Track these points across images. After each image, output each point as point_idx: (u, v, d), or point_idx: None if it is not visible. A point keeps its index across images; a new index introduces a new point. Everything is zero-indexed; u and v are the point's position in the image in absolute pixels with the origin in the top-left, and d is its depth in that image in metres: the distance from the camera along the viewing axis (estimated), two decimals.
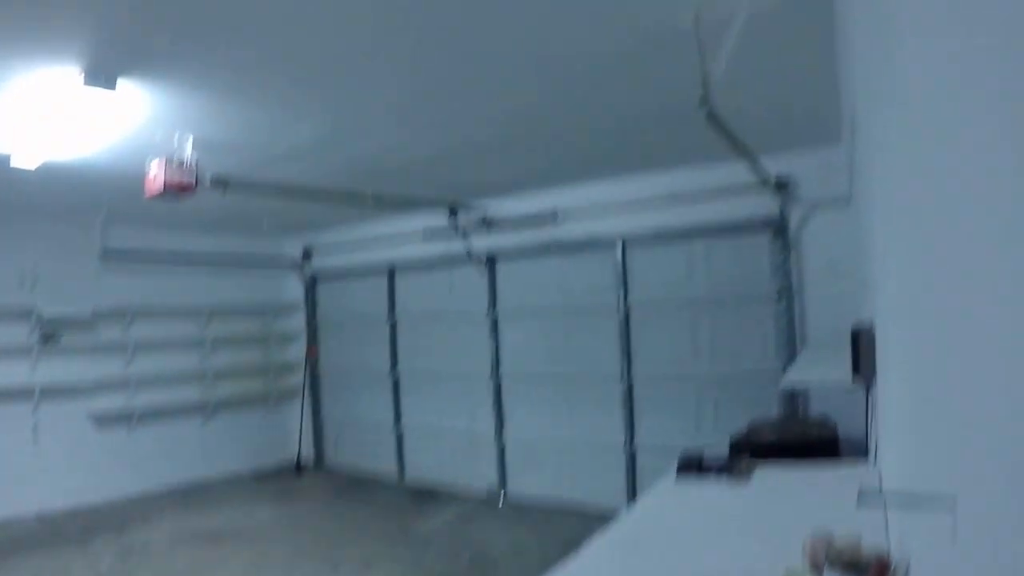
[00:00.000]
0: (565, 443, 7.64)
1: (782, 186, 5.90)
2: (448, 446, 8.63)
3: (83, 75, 3.68)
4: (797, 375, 4.75)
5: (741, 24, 3.30)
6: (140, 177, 5.15)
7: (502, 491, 7.93)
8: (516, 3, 3.24)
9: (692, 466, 3.76)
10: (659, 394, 7.05)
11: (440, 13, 3.34)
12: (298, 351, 10.42)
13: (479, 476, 8.10)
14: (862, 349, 3.07)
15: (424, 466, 8.89)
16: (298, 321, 10.43)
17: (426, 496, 8.16)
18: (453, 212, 7.68)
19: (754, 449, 4.00)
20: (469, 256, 8.06)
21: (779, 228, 6.29)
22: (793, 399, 5.86)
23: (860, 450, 3.92)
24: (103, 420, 8.81)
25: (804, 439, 4.21)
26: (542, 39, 3.64)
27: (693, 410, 6.87)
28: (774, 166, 5.84)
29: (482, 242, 8.13)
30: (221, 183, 5.11)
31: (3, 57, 3.63)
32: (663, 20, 3.32)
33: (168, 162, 4.79)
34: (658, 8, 3.23)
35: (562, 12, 3.31)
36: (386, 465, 9.20)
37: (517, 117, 4.82)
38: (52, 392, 8.34)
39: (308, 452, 10.13)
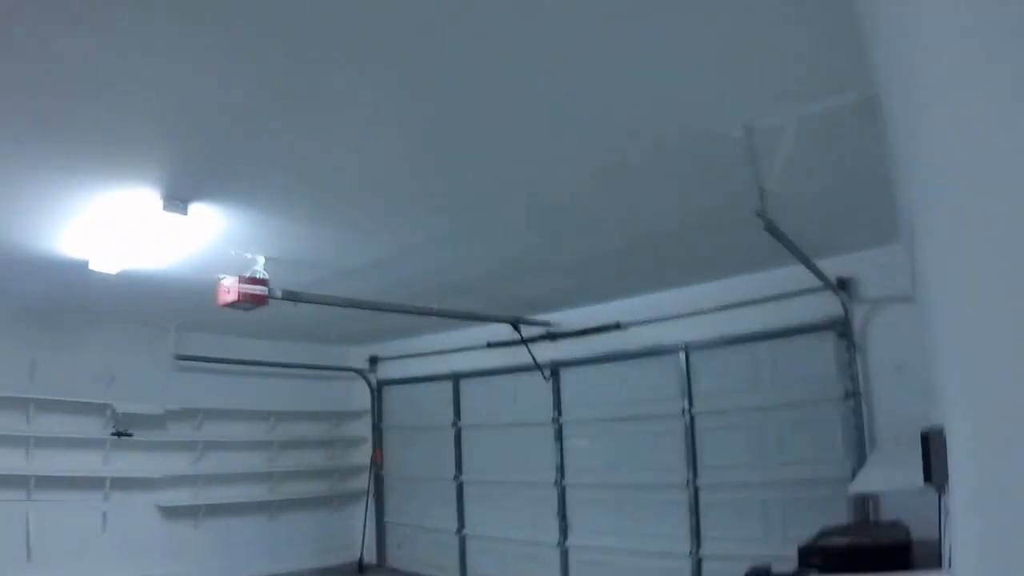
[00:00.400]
0: (630, 552, 7.66)
1: (844, 286, 5.88)
2: (511, 553, 8.83)
3: (161, 201, 4.31)
4: (867, 480, 4.72)
5: (792, 134, 3.33)
6: (213, 287, 5.75)
7: None
8: (567, 119, 3.35)
9: None
10: (725, 502, 6.93)
11: (486, 144, 3.74)
12: (363, 455, 11.01)
13: None
14: (933, 452, 3.00)
15: (486, 571, 9.18)
16: (364, 425, 11.01)
17: None
18: (515, 326, 8.10)
19: (824, 558, 4.00)
20: (534, 365, 8.40)
21: (843, 328, 6.22)
22: (864, 504, 5.76)
23: (935, 556, 3.77)
24: (170, 512, 9.37)
25: (876, 545, 4.18)
26: (595, 153, 3.82)
27: (760, 517, 6.73)
28: (835, 266, 5.96)
29: (546, 351, 8.40)
30: (291, 296, 5.72)
31: (89, 177, 4.14)
32: (713, 130, 3.40)
33: (241, 276, 5.38)
34: (708, 118, 3.31)
35: (613, 126, 3.45)
36: (448, 569, 9.51)
37: (574, 232, 5.21)
38: (122, 482, 9.01)
39: (371, 553, 10.60)
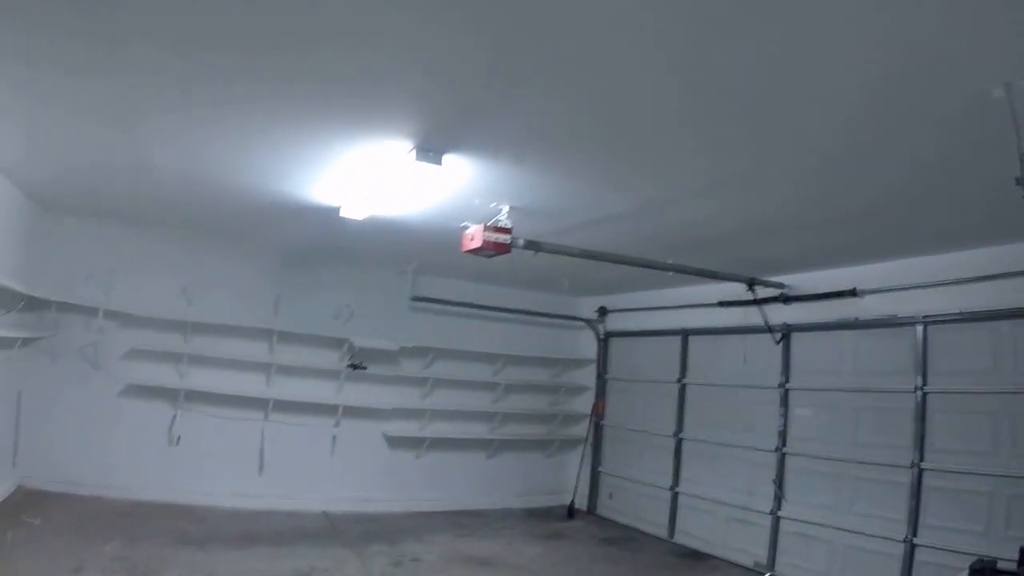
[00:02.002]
0: (841, 529, 7.87)
1: None
2: (721, 516, 9.54)
3: (414, 151, 4.77)
4: None
5: None
6: (454, 234, 6.55)
7: (770, 572, 8.57)
8: (824, 82, 3.48)
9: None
10: (948, 490, 6.98)
11: (751, 94, 3.67)
12: (585, 403, 12.33)
13: (748, 550, 9.03)
14: None
15: (694, 530, 10.00)
16: (588, 375, 12.39)
17: (691, 558, 9.38)
18: (751, 286, 8.90)
19: None
20: (766, 327, 9.20)
21: None
22: None
23: None
24: (396, 442, 11.44)
25: None
26: (850, 117, 3.92)
27: (984, 512, 6.60)
28: None
29: (778, 314, 9.19)
30: (533, 246, 6.28)
31: (347, 129, 4.70)
32: (972, 88, 3.35)
33: (485, 224, 5.96)
34: (967, 75, 3.27)
35: (871, 82, 3.45)
36: (657, 522, 10.68)
37: (823, 189, 5.37)
38: (353, 411, 11.05)
39: (582, 499, 12.07)
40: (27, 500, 8.87)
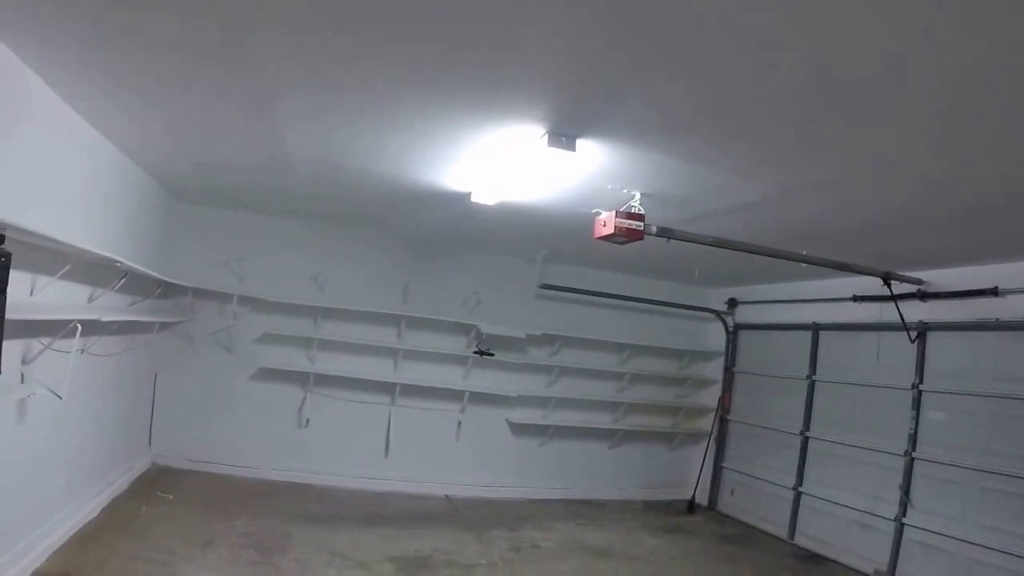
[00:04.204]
0: (969, 543, 7.45)
1: None
2: (843, 519, 9.25)
3: (546, 136, 4.78)
4: None
5: None
6: (585, 220, 6.57)
7: None
8: (952, 63, 3.25)
9: None
10: None
11: (882, 80, 3.51)
12: (711, 396, 12.33)
13: (868, 556, 8.72)
14: None
15: (815, 532, 9.73)
16: (715, 368, 12.38)
17: (810, 561, 9.24)
18: (886, 281, 8.58)
19: None
20: (902, 325, 8.76)
21: None
22: None
23: None
24: (520, 429, 11.75)
25: None
26: (979, 103, 3.66)
27: None
28: None
29: (914, 311, 8.77)
30: (666, 233, 6.27)
31: (478, 115, 4.69)
32: None
33: (618, 211, 5.90)
34: None
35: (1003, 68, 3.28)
36: (777, 522, 10.39)
37: (966, 178, 5.02)
38: (479, 397, 11.41)
39: (703, 494, 12.13)
40: (161, 477, 9.68)
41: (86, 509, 7.56)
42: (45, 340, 6.01)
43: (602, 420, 12.13)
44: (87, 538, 7.06)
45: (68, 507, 7.13)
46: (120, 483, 8.81)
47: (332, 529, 8.48)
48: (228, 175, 8.13)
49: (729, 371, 12.20)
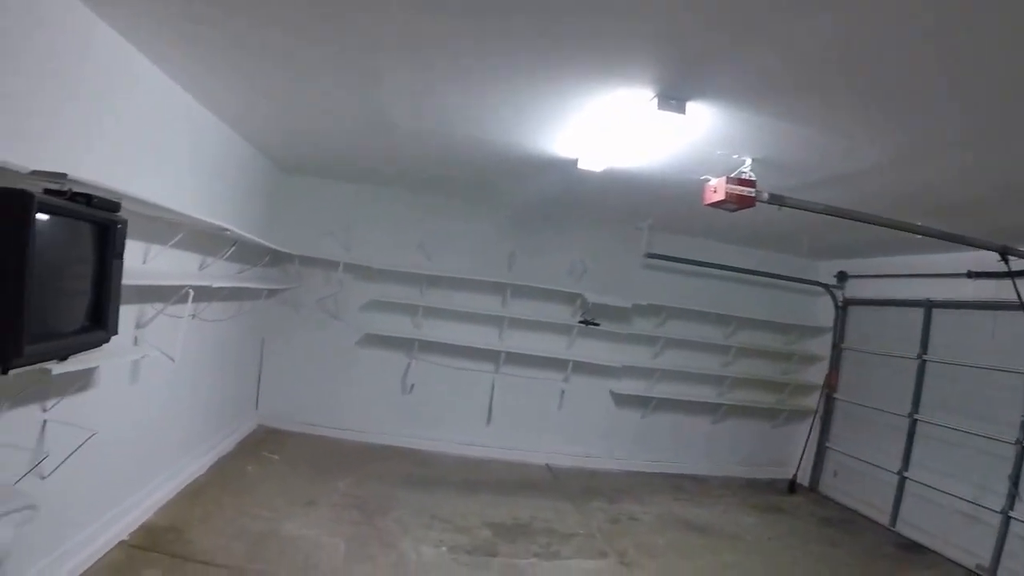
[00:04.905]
0: None
1: None
2: (947, 508, 8.84)
3: (656, 100, 4.67)
4: None
5: None
6: (693, 187, 6.36)
7: None
8: None
9: None
10: None
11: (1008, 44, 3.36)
12: (817, 373, 12.06)
13: (970, 550, 8.36)
14: None
15: (917, 520, 9.32)
16: (823, 344, 12.08)
17: (911, 550, 8.92)
18: (1003, 256, 7.89)
19: None
20: (1020, 305, 8.00)
21: None
22: None
23: None
24: (623, 400, 11.71)
25: None
26: None
27: None
28: None
29: None
30: (777, 200, 6.13)
31: (587, 78, 4.61)
32: None
33: (729, 176, 5.80)
34: None
35: None
36: (880, 507, 9.96)
37: None
38: (582, 367, 11.42)
39: (804, 474, 11.95)
40: (267, 438, 10.25)
41: (194, 466, 8.03)
42: (158, 306, 6.35)
43: (706, 394, 12.00)
44: (194, 494, 7.46)
45: (178, 464, 7.59)
46: (227, 443, 9.27)
47: (433, 493, 8.70)
48: (331, 146, 8.30)
49: (837, 348, 11.86)
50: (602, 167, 7.05)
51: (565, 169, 7.39)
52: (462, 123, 6.55)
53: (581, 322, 11.33)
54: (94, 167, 4.75)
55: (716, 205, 6.06)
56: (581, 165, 7.05)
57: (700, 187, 6.29)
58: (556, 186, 8.46)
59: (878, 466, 10.15)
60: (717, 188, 5.94)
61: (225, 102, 6.68)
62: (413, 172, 9.36)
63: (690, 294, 11.73)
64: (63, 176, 3.64)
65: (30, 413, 4.74)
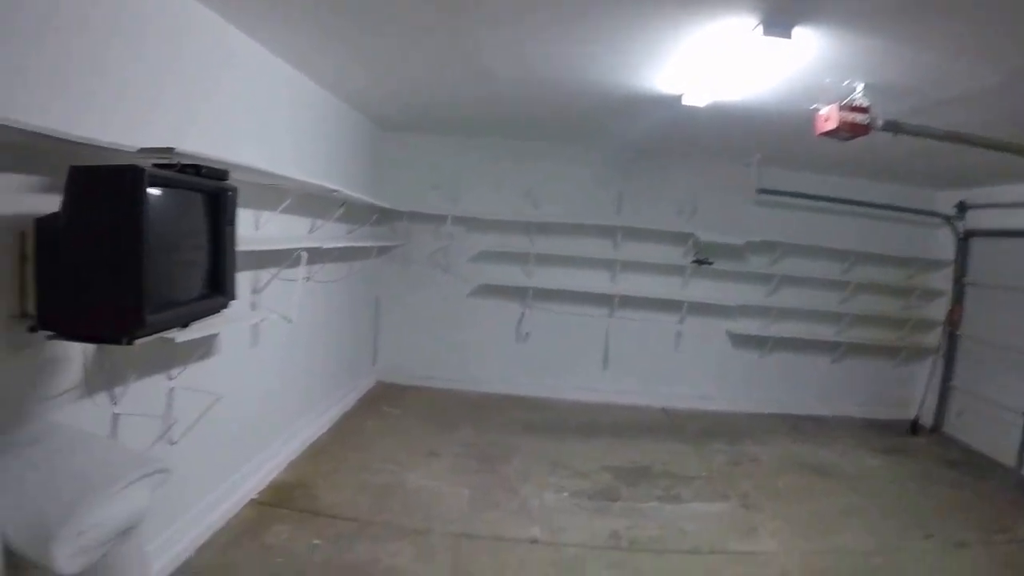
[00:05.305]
0: None
1: None
2: None
3: (760, 26, 4.46)
4: None
5: None
6: (803, 117, 6.09)
7: None
8: None
9: None
10: None
11: None
12: (939, 309, 11.67)
13: None
14: None
15: None
16: (944, 278, 11.62)
17: None
18: None
19: None
20: None
21: None
22: None
23: None
24: (740, 340, 11.62)
25: None
26: None
27: None
28: None
29: None
30: (893, 126, 5.87)
31: (688, 11, 4.42)
32: None
33: (840, 104, 5.59)
34: None
35: None
36: (1004, 452, 9.29)
37: None
38: (697, 307, 11.39)
39: (927, 415, 11.57)
40: (386, 393, 10.60)
41: (317, 424, 8.39)
42: (272, 270, 6.62)
43: (824, 332, 11.83)
44: (318, 451, 7.83)
45: (301, 422, 7.92)
46: (348, 400, 9.63)
47: (552, 440, 8.85)
48: (432, 101, 8.29)
49: (959, 282, 11.36)
50: (707, 102, 6.82)
51: (669, 106, 7.18)
52: (561, 66, 6.48)
53: (694, 261, 11.23)
54: (199, 141, 4.93)
55: (828, 135, 5.90)
56: (685, 101, 6.85)
57: (810, 117, 6.12)
58: (661, 124, 8.27)
59: (1005, 406, 9.47)
60: (828, 117, 5.76)
61: (321, 67, 6.74)
62: (516, 120, 9.26)
63: (804, 229, 11.45)
64: (170, 150, 3.76)
65: (157, 382, 5.01)
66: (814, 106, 6.07)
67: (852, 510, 7.39)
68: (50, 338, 3.52)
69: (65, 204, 3.27)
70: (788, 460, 8.88)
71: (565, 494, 7.12)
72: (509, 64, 6.60)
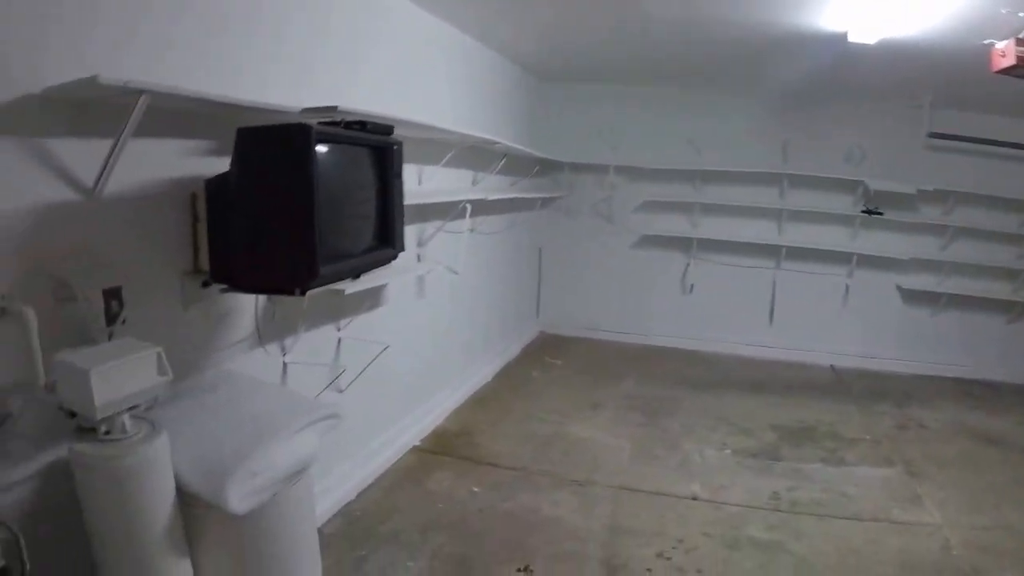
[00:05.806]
0: None
1: None
2: None
3: None
4: None
5: None
6: (976, 54, 5.67)
7: None
8: None
9: None
10: None
11: None
12: None
13: None
14: None
15: None
16: None
17: None
18: None
19: None
20: None
21: None
22: None
23: None
24: (911, 296, 11.05)
25: None
26: None
27: None
28: None
29: None
30: None
31: None
32: None
33: (1018, 38, 5.14)
34: None
35: None
36: None
37: None
38: (867, 260, 10.86)
39: None
40: (549, 344, 10.93)
41: (481, 374, 8.72)
42: (437, 223, 6.83)
43: (1000, 290, 11.04)
44: (483, 400, 8.11)
45: (465, 372, 8.26)
46: (511, 350, 9.98)
47: (716, 395, 8.80)
48: (591, 51, 8.25)
49: None
50: (875, 38, 6.40)
51: (834, 44, 6.81)
52: (728, 2, 6.22)
53: (864, 211, 10.83)
54: (360, 99, 5.05)
55: (1005, 72, 5.51)
56: (852, 38, 6.42)
57: (985, 53, 5.69)
58: (826, 65, 7.84)
59: None
60: (1006, 52, 5.37)
61: (474, 17, 6.63)
62: (672, 66, 9.00)
63: (980, 177, 10.72)
64: (333, 108, 3.91)
65: (325, 333, 5.21)
66: (988, 40, 5.67)
67: None
68: (224, 291, 3.77)
69: (235, 164, 3.42)
70: (957, 427, 8.34)
71: (727, 451, 7.07)
72: (669, 4, 6.43)
